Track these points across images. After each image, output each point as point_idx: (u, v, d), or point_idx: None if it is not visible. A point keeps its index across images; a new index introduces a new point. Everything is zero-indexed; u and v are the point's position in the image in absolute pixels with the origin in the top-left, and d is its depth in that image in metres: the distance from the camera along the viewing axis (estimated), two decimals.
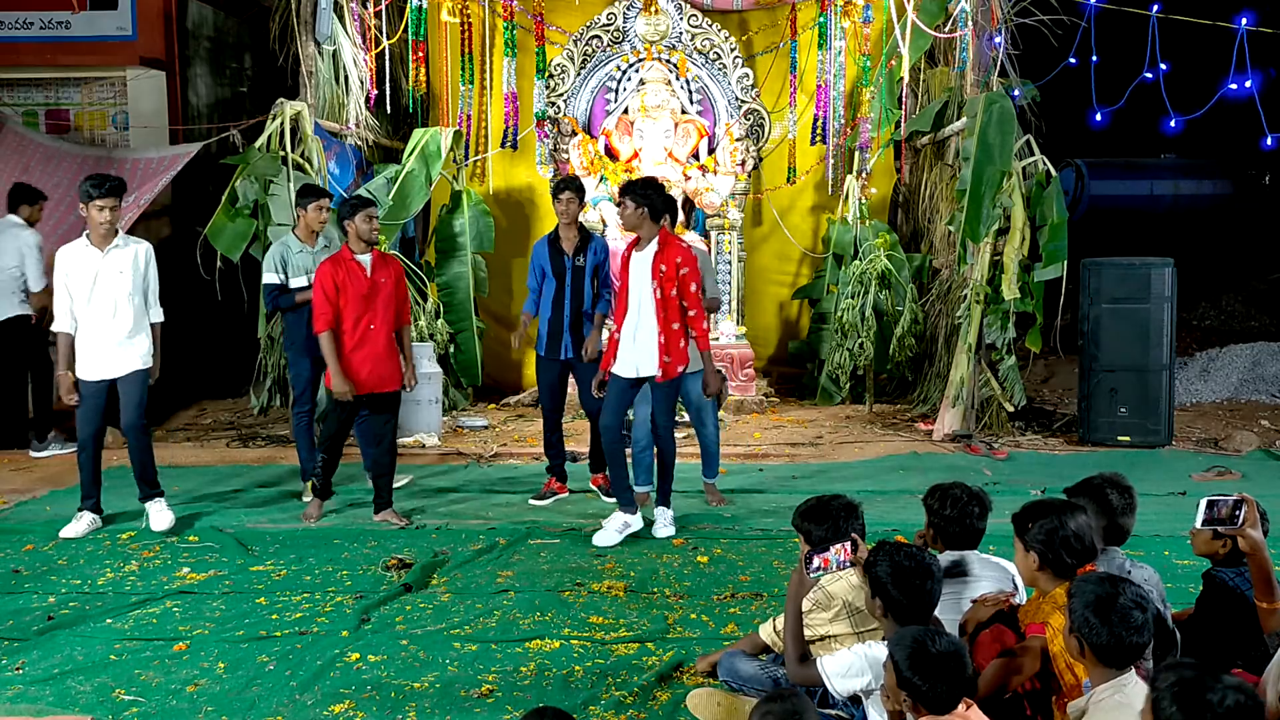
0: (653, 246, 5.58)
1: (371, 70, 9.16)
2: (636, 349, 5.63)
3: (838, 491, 3.72)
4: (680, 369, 5.64)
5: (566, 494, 6.66)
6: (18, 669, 4.05)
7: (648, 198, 5.58)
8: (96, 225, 5.61)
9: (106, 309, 5.69)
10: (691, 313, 5.59)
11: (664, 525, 5.84)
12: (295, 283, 6.26)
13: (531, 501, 6.55)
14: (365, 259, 5.92)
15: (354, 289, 5.85)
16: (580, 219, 6.67)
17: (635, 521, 5.76)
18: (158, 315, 5.96)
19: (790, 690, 2.59)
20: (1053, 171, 8.24)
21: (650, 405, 5.91)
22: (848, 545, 3.27)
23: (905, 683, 2.65)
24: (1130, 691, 2.57)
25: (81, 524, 5.85)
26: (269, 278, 6.30)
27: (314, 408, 6.58)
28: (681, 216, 9.65)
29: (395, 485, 6.36)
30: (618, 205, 5.70)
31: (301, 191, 6.60)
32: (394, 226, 8.98)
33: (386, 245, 8.91)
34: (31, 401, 7.95)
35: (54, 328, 5.78)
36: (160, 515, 5.89)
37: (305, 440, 6.51)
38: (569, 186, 6.49)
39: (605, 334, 6.14)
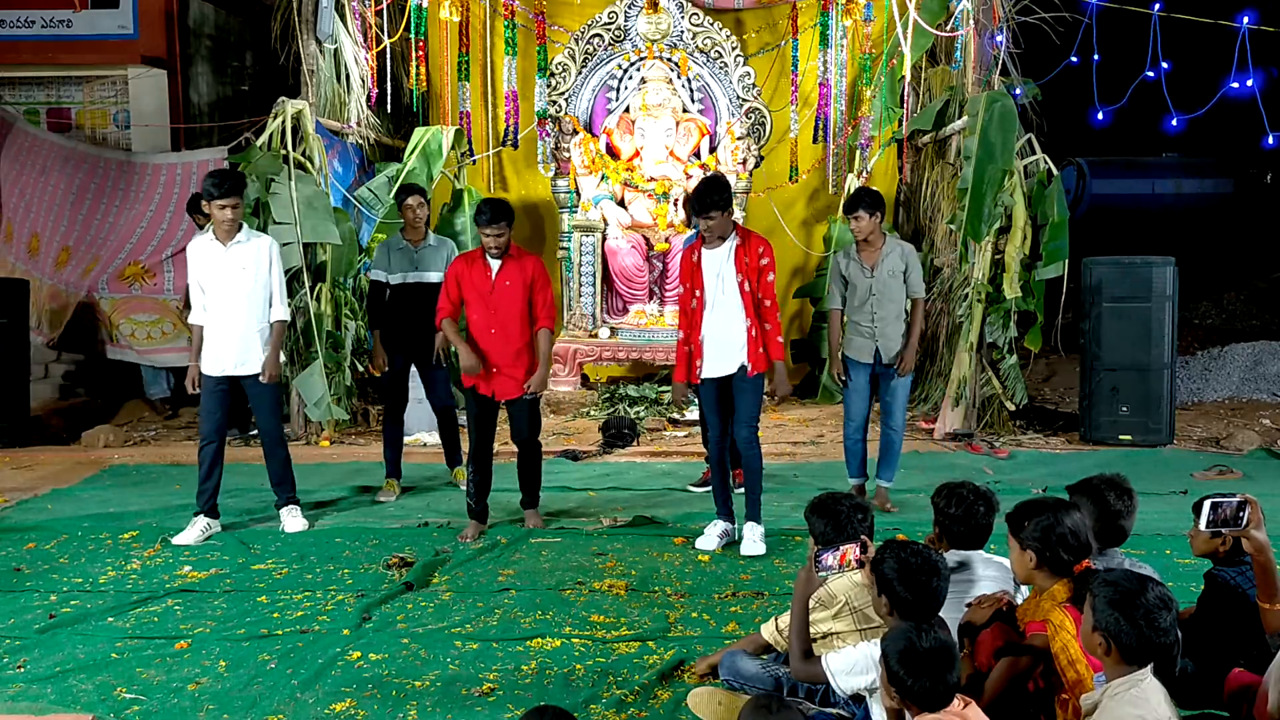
0: (732, 241, 5.40)
1: (373, 69, 9.17)
2: (726, 346, 5.42)
3: (838, 490, 3.72)
4: (772, 361, 5.44)
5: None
6: (19, 667, 4.05)
7: (729, 201, 5.36)
8: (219, 223, 5.64)
9: (228, 304, 5.70)
10: (767, 303, 5.39)
11: (752, 542, 5.46)
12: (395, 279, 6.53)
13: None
14: (494, 261, 5.70)
15: (476, 289, 5.71)
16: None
17: (733, 531, 5.67)
18: (280, 314, 5.82)
19: (772, 696, 2.60)
20: (1054, 170, 8.23)
21: (868, 400, 6.15)
22: (856, 546, 3.27)
23: (893, 677, 2.68)
24: (1146, 686, 2.60)
25: (194, 530, 5.70)
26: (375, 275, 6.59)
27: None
28: (683, 215, 9.67)
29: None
30: (705, 219, 5.32)
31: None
32: (395, 225, 8.97)
33: None
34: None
35: (189, 320, 5.90)
36: (293, 520, 5.92)
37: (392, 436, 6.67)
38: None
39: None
